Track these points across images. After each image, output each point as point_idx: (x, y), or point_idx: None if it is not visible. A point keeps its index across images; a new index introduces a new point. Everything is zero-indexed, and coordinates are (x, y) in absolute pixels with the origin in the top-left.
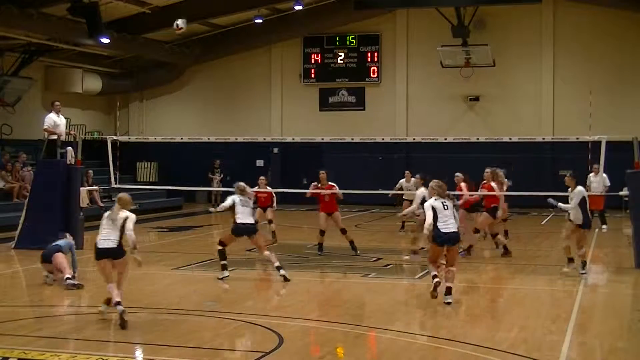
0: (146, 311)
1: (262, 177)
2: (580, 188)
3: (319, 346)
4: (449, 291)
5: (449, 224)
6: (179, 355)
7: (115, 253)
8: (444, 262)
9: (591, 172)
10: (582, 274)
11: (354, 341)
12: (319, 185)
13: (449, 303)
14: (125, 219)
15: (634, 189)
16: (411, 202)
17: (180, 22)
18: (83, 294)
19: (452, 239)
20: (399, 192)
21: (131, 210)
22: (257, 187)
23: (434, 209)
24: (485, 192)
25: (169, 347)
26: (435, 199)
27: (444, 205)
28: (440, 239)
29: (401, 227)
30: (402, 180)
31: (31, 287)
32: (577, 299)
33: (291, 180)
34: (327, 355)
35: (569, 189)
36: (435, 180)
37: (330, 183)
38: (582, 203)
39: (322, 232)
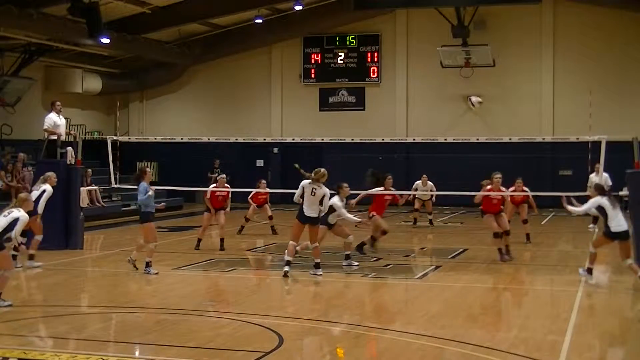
0: (146, 311)
1: (262, 181)
2: (598, 198)
3: (319, 346)
4: None
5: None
6: (179, 355)
7: None
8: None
9: (593, 172)
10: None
11: (354, 341)
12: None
13: None
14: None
15: (634, 189)
16: (423, 202)
17: (474, 99)
18: (83, 294)
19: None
20: (413, 192)
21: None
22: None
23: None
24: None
25: (169, 347)
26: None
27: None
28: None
29: (414, 222)
30: (418, 182)
31: (31, 287)
32: (577, 299)
33: (291, 180)
34: (327, 355)
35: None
36: None
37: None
38: (604, 210)
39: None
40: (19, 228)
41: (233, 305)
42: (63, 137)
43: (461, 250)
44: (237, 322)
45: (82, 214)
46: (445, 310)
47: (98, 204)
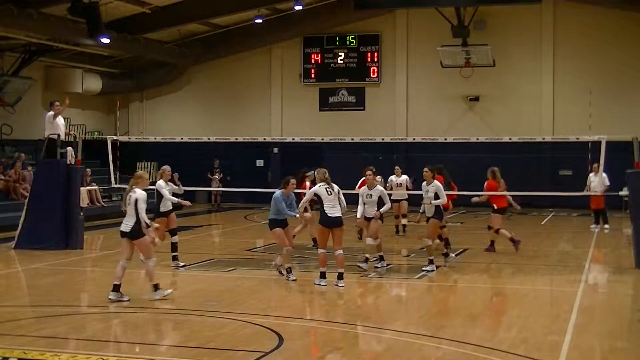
0: (146, 311)
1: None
2: None
3: (319, 346)
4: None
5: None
6: (179, 355)
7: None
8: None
9: (592, 172)
10: None
11: (354, 341)
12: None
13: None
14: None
15: (634, 189)
16: (399, 201)
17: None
18: (83, 294)
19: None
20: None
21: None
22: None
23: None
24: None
25: (169, 347)
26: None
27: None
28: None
29: (396, 231)
30: (392, 177)
31: (31, 287)
32: (577, 299)
33: None
34: (327, 355)
35: None
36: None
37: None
38: None
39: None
40: (141, 206)
41: (233, 305)
42: (63, 137)
43: (461, 250)
44: (237, 322)
45: (82, 214)
46: (445, 310)
47: (98, 204)
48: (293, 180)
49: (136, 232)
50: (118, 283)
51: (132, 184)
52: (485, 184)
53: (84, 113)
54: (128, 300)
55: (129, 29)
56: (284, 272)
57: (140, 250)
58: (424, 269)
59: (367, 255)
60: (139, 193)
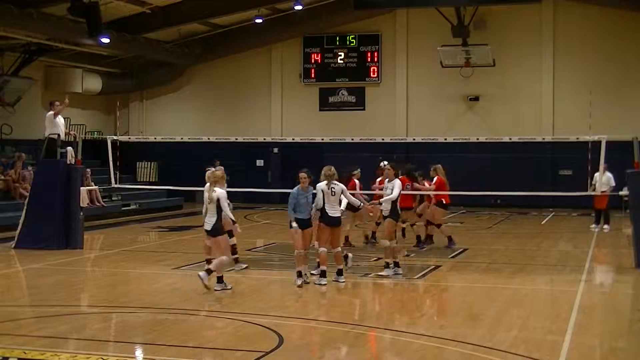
0: (146, 311)
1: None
2: None
3: (319, 346)
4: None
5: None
6: (179, 355)
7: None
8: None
9: (597, 172)
10: None
11: (354, 341)
12: None
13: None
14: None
15: (634, 189)
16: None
17: None
18: (83, 294)
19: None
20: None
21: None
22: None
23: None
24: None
25: (169, 347)
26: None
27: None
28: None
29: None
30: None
31: (31, 287)
32: (577, 299)
33: (291, 180)
34: (327, 355)
35: None
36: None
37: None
38: None
39: None
40: (224, 204)
41: (233, 305)
42: (63, 137)
43: (461, 250)
44: (237, 322)
45: (82, 214)
46: (445, 310)
47: (98, 204)
48: (303, 174)
49: (216, 230)
50: (220, 275)
51: (212, 184)
52: (435, 180)
53: (84, 113)
54: (231, 289)
55: (129, 29)
56: (345, 265)
57: (217, 246)
58: (379, 273)
59: (388, 261)
60: (220, 192)
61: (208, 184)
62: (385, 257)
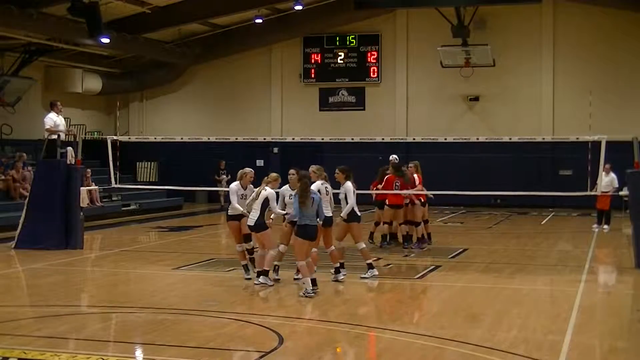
0: (146, 311)
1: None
2: None
3: (319, 346)
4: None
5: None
6: (179, 355)
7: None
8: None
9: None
10: None
11: (354, 341)
12: None
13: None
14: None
15: (634, 189)
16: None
17: None
18: (83, 294)
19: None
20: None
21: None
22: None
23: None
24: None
25: (169, 347)
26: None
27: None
28: None
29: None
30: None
31: (31, 287)
32: (577, 299)
33: None
34: (327, 355)
35: None
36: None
37: None
38: None
39: None
40: (272, 204)
41: (233, 305)
42: (63, 137)
43: (461, 250)
44: (237, 322)
45: (82, 214)
46: (445, 310)
47: (98, 204)
48: (274, 175)
49: (259, 226)
50: (267, 269)
51: (266, 183)
52: (386, 178)
53: (84, 113)
54: (272, 286)
55: (129, 29)
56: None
57: (262, 241)
58: (362, 276)
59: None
60: (269, 191)
61: (238, 182)
62: (365, 257)
